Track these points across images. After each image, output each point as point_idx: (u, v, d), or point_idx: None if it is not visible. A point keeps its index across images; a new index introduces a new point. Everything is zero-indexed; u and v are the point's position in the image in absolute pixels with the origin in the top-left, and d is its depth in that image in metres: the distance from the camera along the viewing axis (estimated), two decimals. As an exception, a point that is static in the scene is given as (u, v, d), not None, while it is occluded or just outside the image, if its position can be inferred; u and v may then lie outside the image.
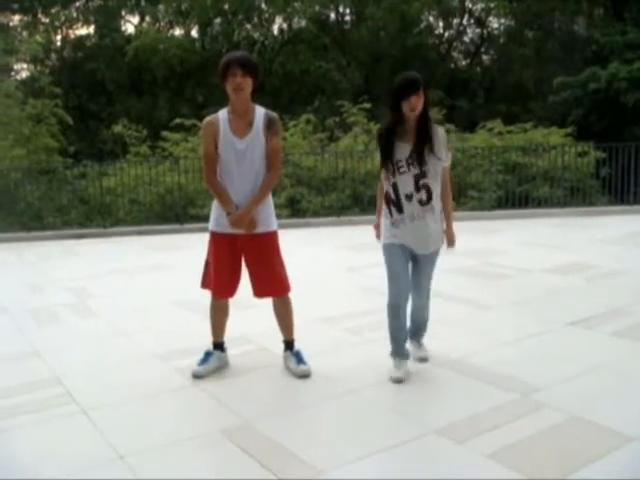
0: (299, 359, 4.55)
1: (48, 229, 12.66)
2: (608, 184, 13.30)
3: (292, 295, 4.58)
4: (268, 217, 4.46)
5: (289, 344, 4.65)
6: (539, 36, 28.88)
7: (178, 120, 15.97)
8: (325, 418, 3.88)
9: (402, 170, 4.20)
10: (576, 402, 3.88)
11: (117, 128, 17.00)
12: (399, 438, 3.52)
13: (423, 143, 4.16)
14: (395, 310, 4.32)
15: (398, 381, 4.30)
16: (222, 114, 4.37)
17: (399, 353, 4.43)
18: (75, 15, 29.75)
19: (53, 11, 29.06)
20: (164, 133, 16.03)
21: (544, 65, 26.49)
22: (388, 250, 4.35)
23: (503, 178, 13.30)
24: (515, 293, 6.48)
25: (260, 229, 4.39)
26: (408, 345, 4.57)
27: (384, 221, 4.40)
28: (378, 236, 4.53)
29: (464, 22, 30.49)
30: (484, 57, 32.16)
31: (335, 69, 26.08)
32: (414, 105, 4.07)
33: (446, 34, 31.02)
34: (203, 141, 4.46)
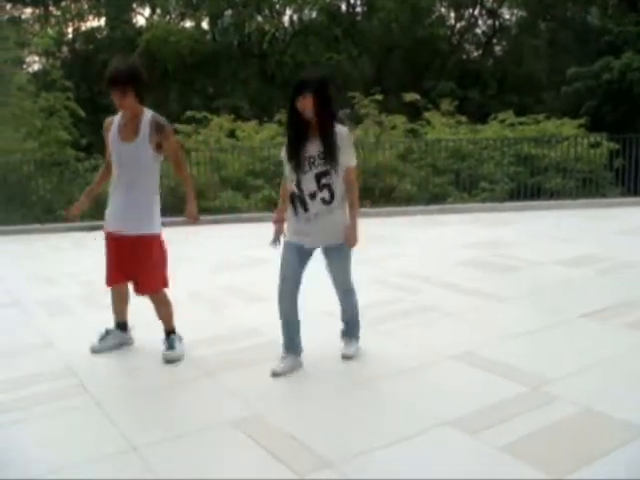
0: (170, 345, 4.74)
1: (60, 221, 12.67)
2: (621, 175, 13.20)
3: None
4: (147, 219, 4.60)
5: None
6: (552, 27, 28.75)
7: (189, 112, 15.95)
8: (336, 410, 3.88)
9: (305, 169, 4.22)
10: (589, 394, 3.86)
11: (128, 121, 16.92)
12: (411, 430, 3.51)
13: (323, 143, 4.18)
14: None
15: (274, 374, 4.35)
16: (117, 118, 4.54)
17: (286, 345, 4.47)
18: (86, 7, 29.83)
19: (64, 4, 29.13)
20: (175, 125, 15.99)
21: (557, 56, 26.38)
22: (287, 246, 4.37)
23: (515, 170, 13.23)
24: (527, 285, 6.44)
25: (136, 231, 4.56)
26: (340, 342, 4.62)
27: (289, 217, 4.41)
28: (279, 232, 4.48)
29: (476, 13, 30.37)
30: (496, 48, 32.03)
31: (346, 60, 25.99)
32: (301, 106, 4.17)
33: (458, 25, 30.91)
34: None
